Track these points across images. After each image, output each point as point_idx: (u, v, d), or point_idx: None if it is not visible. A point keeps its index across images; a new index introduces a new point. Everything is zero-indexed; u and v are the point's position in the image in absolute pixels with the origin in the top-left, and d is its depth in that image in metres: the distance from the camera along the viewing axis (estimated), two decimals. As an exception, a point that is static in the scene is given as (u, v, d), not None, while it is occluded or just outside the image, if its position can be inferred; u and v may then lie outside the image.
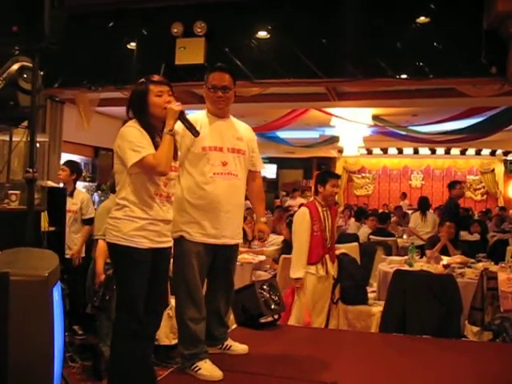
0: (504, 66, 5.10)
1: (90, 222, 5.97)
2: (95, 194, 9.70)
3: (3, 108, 4.24)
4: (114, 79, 6.14)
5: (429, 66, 5.32)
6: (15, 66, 4.18)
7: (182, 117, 3.01)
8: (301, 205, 5.82)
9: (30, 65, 4.11)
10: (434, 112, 10.77)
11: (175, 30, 5.72)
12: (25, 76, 4.18)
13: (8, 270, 1.05)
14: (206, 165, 3.35)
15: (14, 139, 4.65)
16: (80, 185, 9.94)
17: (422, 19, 5.43)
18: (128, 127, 2.96)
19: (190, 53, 5.66)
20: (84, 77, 6.19)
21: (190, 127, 3.08)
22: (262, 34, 5.80)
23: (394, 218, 11.79)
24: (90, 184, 10.21)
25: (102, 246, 4.70)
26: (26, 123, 4.36)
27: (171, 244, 3.17)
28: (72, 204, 5.77)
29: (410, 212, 12.50)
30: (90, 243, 5.63)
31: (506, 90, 5.89)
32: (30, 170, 3.68)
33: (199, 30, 5.64)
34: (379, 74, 5.47)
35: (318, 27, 5.62)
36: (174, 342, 5.30)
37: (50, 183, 5.58)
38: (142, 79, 3.00)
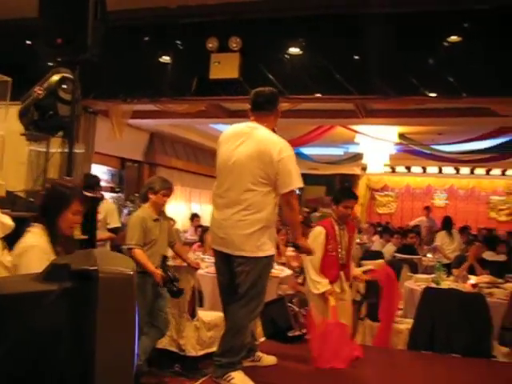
0: (538, 86, 5.10)
1: (114, 231, 6.04)
2: (125, 206, 9.75)
3: (43, 117, 4.35)
4: (148, 92, 6.24)
5: (462, 84, 5.31)
6: (56, 77, 4.30)
7: None
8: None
9: (70, 76, 4.22)
10: (460, 131, 10.72)
11: (210, 45, 5.81)
12: (64, 87, 4.29)
13: (96, 267, 1.09)
14: None
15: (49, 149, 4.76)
16: (107, 196, 10.03)
17: (455, 38, 5.44)
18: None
19: (225, 67, 5.73)
20: (119, 89, 6.30)
21: None
22: (296, 50, 5.84)
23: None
24: (119, 195, 10.28)
25: (139, 252, 4.70)
26: (62, 133, 4.49)
27: None
28: None
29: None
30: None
31: (539, 110, 5.90)
32: (68, 179, 3.75)
33: (234, 45, 5.71)
34: (412, 92, 5.47)
35: (351, 44, 5.66)
36: (201, 353, 5.33)
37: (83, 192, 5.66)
38: (69, 190, 2.97)
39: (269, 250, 3.48)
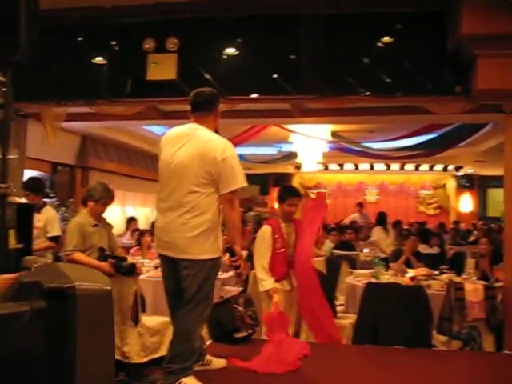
0: (468, 86, 5.30)
1: (55, 239, 5.83)
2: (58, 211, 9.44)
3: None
4: (84, 94, 6.02)
5: (396, 84, 5.45)
6: (-15, 80, 4.10)
7: None
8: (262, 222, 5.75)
9: (1, 78, 4.03)
10: (391, 129, 11.03)
11: (147, 46, 5.67)
12: (-6, 89, 4.10)
13: (74, 284, 1.03)
14: None
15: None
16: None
17: (387, 39, 5.57)
18: None
19: (162, 68, 5.61)
20: (53, 91, 6.04)
21: None
22: (233, 50, 5.79)
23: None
24: (52, 201, 9.93)
25: (79, 254, 4.69)
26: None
27: None
28: (36, 220, 5.63)
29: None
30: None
31: (470, 108, 6.13)
32: (2, 186, 3.60)
33: (171, 46, 5.60)
34: (348, 92, 5.56)
35: (288, 44, 5.65)
36: (145, 359, 5.24)
37: (18, 199, 5.43)
38: None
39: (215, 252, 3.47)
